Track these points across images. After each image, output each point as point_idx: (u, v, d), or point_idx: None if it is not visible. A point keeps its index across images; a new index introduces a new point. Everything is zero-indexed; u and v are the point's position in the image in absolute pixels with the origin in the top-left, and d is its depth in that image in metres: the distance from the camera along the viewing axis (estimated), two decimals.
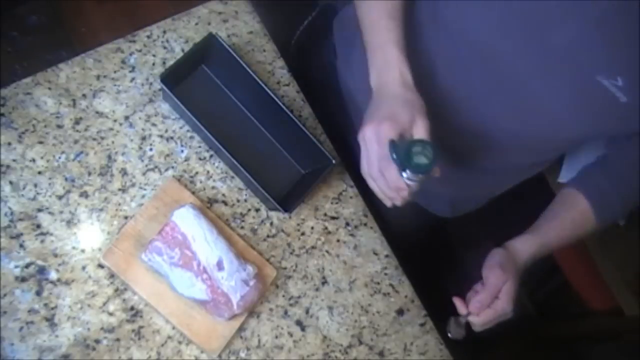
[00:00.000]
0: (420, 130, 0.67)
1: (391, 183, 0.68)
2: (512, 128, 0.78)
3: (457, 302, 0.80)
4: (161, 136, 0.91)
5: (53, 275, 0.82)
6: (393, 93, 0.70)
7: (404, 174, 0.67)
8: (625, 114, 0.70)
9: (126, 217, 0.87)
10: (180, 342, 0.85)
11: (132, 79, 0.92)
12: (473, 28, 0.72)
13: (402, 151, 0.65)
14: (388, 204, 0.72)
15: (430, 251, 1.16)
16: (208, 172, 0.92)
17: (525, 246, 0.83)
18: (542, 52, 0.69)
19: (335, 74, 1.07)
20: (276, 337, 0.89)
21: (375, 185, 0.70)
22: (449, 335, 0.85)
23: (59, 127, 0.88)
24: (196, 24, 0.97)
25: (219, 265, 0.83)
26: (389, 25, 0.74)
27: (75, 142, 0.88)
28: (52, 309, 0.81)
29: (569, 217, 0.85)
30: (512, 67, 0.71)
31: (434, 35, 0.80)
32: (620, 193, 0.84)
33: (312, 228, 0.95)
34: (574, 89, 0.70)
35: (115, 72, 0.92)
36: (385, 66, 0.72)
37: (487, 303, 0.78)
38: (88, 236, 0.85)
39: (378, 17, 0.75)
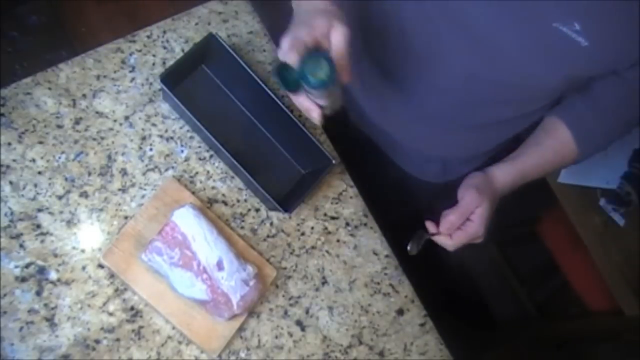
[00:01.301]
0: (337, 36, 0.65)
1: (297, 103, 0.69)
2: (485, 78, 0.79)
3: (429, 223, 0.82)
4: (161, 136, 0.91)
5: (53, 275, 0.82)
6: (312, 8, 0.70)
7: (308, 90, 0.66)
8: (588, 57, 0.70)
9: (126, 217, 0.87)
10: (180, 342, 0.85)
11: (132, 79, 0.92)
12: None
13: (292, 71, 0.64)
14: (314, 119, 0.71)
15: (430, 251, 1.16)
16: (208, 172, 0.92)
17: (505, 174, 0.84)
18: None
19: None
20: (276, 337, 0.89)
21: (296, 102, 0.70)
22: (408, 247, 0.85)
23: (59, 127, 0.88)
24: (196, 24, 0.97)
25: (219, 265, 0.83)
26: None
27: (75, 142, 0.88)
28: (52, 309, 0.81)
29: (550, 146, 0.86)
30: (476, 15, 0.72)
31: None
32: (603, 124, 0.84)
33: (312, 228, 0.95)
34: (533, 37, 0.70)
35: (115, 72, 0.92)
36: None
37: (458, 223, 0.79)
38: (88, 236, 0.85)
39: None
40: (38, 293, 0.81)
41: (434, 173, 1.07)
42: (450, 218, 0.79)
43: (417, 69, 0.85)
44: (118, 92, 0.91)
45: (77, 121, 0.88)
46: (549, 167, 0.88)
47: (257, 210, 0.93)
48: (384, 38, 0.85)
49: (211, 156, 0.93)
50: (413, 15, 0.79)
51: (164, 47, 0.95)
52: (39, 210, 0.84)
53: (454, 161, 1.03)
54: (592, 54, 0.69)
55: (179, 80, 0.91)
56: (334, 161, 0.90)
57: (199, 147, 0.93)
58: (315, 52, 0.64)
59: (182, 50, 0.95)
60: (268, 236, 0.93)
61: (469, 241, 0.81)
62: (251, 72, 0.89)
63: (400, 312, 0.96)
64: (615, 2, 0.66)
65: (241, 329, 0.88)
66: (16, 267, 0.81)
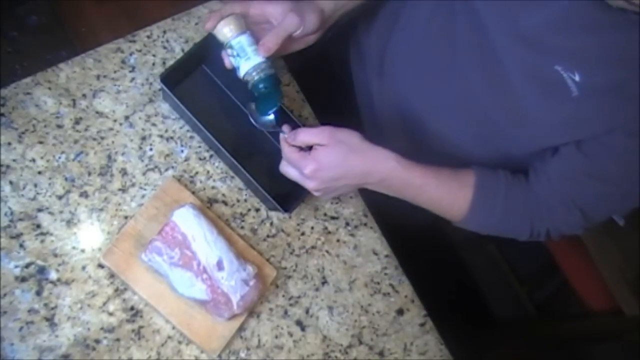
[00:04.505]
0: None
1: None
2: (482, 102, 0.79)
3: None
4: (161, 136, 0.91)
5: (53, 275, 0.82)
6: None
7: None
8: (573, 109, 0.70)
9: (126, 217, 0.87)
10: (180, 342, 0.85)
11: (132, 79, 0.92)
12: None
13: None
14: None
15: (430, 251, 1.17)
16: (208, 172, 0.92)
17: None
18: (511, 29, 0.70)
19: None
20: (276, 337, 0.89)
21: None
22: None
23: (59, 127, 0.88)
24: (196, 24, 0.97)
25: (219, 265, 0.83)
26: None
27: (75, 142, 0.88)
28: (52, 309, 0.81)
29: (449, 182, 0.81)
30: (487, 37, 0.73)
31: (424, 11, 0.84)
32: (512, 204, 0.80)
33: (312, 228, 0.95)
34: (532, 70, 0.71)
35: (115, 72, 0.92)
36: None
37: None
38: (88, 236, 0.85)
39: None
40: (38, 293, 0.81)
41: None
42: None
43: (430, 70, 0.86)
44: (118, 92, 0.91)
45: (77, 121, 0.88)
46: (434, 199, 0.81)
47: (257, 210, 0.93)
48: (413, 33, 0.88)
49: (211, 156, 0.93)
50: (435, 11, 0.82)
51: (164, 47, 0.95)
52: (39, 210, 0.84)
53: None
54: (578, 107, 0.69)
55: (179, 80, 0.91)
56: None
57: (199, 147, 0.93)
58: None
59: (182, 50, 0.95)
60: (268, 236, 0.93)
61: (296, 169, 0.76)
62: None
63: (400, 312, 0.96)
64: (624, 71, 0.66)
65: (241, 329, 0.88)
66: (16, 267, 0.81)
